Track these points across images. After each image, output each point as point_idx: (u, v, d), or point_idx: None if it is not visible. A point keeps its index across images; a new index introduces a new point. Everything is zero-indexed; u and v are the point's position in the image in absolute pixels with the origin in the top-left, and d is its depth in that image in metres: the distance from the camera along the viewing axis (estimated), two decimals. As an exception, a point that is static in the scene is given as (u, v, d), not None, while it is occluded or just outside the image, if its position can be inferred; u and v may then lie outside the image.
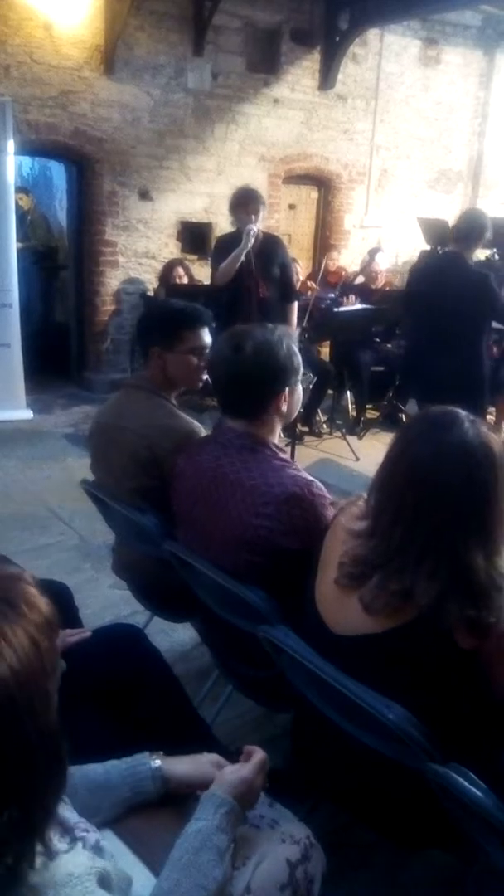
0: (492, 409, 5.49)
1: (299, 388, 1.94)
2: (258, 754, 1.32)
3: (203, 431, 2.22)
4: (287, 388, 1.86)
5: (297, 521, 1.73)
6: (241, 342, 1.80)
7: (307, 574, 1.60)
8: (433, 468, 1.33)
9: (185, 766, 1.31)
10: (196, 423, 2.25)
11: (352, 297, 6.01)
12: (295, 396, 1.92)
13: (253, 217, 4.39)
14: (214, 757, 1.33)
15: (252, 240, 4.37)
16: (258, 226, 4.41)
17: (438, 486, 1.32)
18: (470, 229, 3.89)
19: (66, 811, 1.08)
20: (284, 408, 1.88)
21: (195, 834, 1.15)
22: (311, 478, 1.79)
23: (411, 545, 1.34)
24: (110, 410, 2.39)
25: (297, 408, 1.99)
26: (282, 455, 1.86)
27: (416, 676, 1.35)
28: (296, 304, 4.77)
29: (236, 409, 1.87)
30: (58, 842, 0.90)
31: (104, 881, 0.94)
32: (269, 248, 4.56)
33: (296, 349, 1.87)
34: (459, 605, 1.29)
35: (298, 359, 1.87)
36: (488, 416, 5.16)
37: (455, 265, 3.93)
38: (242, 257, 4.41)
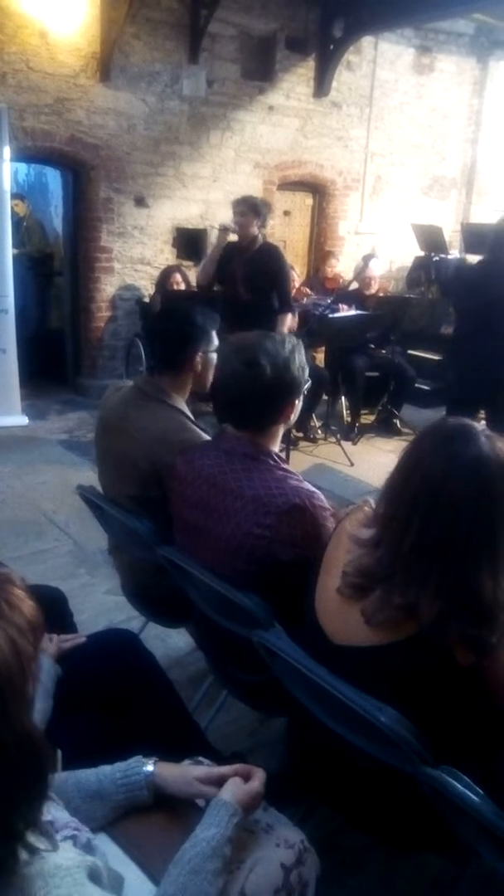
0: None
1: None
2: (260, 772, 1.32)
3: None
4: (297, 400, 1.86)
5: (297, 532, 1.71)
6: (255, 357, 1.76)
7: (305, 583, 1.59)
8: (447, 482, 1.29)
9: (177, 773, 1.32)
10: (206, 436, 2.20)
11: (344, 306, 6.02)
12: (299, 403, 1.92)
13: (237, 219, 4.65)
14: (205, 769, 1.34)
15: (223, 236, 4.72)
16: (232, 225, 4.71)
17: (451, 501, 1.29)
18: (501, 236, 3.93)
19: (59, 811, 1.08)
20: (293, 417, 1.90)
21: (207, 840, 1.15)
22: (312, 489, 1.78)
23: (419, 560, 1.31)
24: (117, 410, 2.32)
25: (298, 413, 2.00)
26: (284, 465, 1.85)
27: (414, 691, 1.34)
28: (289, 315, 4.80)
29: (246, 423, 1.85)
30: (45, 843, 0.89)
31: (94, 875, 0.95)
32: (261, 255, 4.63)
33: (304, 358, 1.86)
34: (462, 623, 1.27)
35: (307, 368, 1.87)
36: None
37: (493, 271, 3.96)
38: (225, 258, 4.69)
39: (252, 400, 1.79)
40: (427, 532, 1.31)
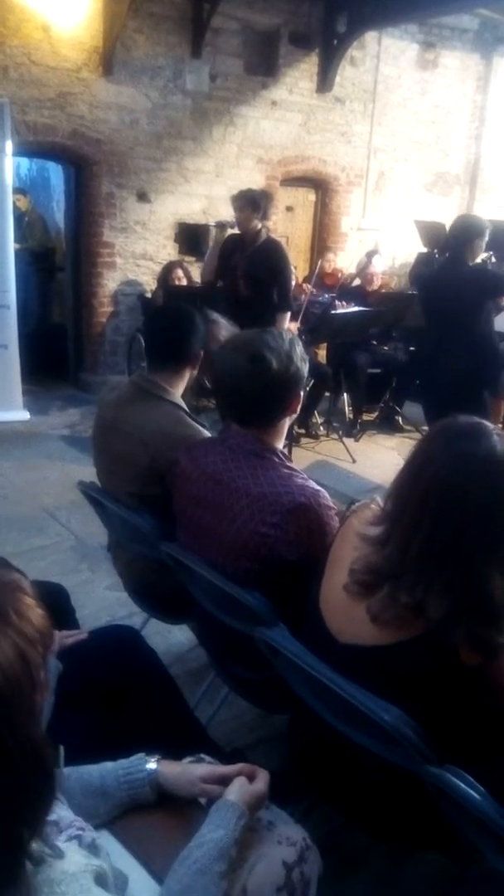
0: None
1: None
2: (264, 773, 1.32)
3: None
4: (301, 392, 1.87)
5: (302, 531, 1.71)
6: (258, 352, 1.75)
7: (309, 582, 1.59)
8: (458, 480, 1.28)
9: (180, 771, 1.31)
10: (206, 431, 2.20)
11: (343, 303, 6.01)
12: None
13: (235, 214, 4.63)
14: (208, 768, 1.33)
15: (220, 233, 4.75)
16: (230, 221, 4.74)
17: (463, 500, 1.28)
18: (461, 233, 3.94)
19: (63, 810, 1.08)
20: (298, 409, 1.89)
21: (215, 842, 1.15)
22: (318, 487, 1.77)
23: (428, 558, 1.30)
24: (113, 409, 2.32)
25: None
26: (289, 463, 1.84)
27: (418, 690, 1.34)
28: (288, 314, 4.79)
29: (252, 419, 1.84)
30: (48, 850, 0.88)
31: (100, 879, 0.94)
32: (264, 250, 4.60)
33: (304, 352, 1.86)
34: (469, 622, 1.26)
35: (307, 361, 1.87)
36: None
37: (453, 267, 3.97)
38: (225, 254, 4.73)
39: (260, 395, 1.78)
40: (437, 530, 1.30)
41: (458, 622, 1.26)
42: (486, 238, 3.97)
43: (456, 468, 1.29)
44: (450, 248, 4.10)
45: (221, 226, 4.75)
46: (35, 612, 0.88)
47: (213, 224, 4.91)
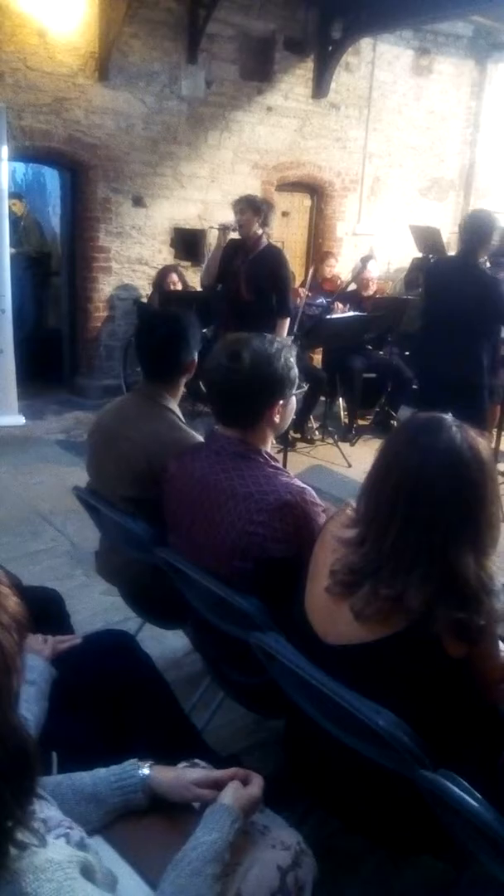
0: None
1: (293, 399, 1.94)
2: (258, 777, 1.32)
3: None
4: (281, 400, 1.86)
5: (289, 528, 1.74)
6: (239, 351, 1.80)
7: (297, 582, 1.60)
8: (423, 473, 1.33)
9: (173, 776, 1.31)
10: (198, 436, 2.24)
11: (340, 305, 6.02)
12: (288, 408, 1.92)
13: (237, 217, 4.64)
14: (201, 772, 1.33)
15: (222, 236, 4.72)
16: (232, 224, 4.71)
17: (428, 491, 1.33)
18: (475, 231, 3.93)
19: (52, 811, 1.08)
20: (277, 419, 1.89)
21: (209, 844, 1.15)
22: (303, 485, 1.80)
23: (402, 551, 1.34)
24: (114, 414, 2.39)
25: (290, 419, 2.00)
26: (274, 463, 1.87)
27: (406, 686, 1.35)
28: (287, 320, 4.79)
29: (230, 418, 1.87)
30: (35, 839, 0.88)
31: (86, 871, 0.94)
32: (265, 257, 4.61)
33: (293, 361, 1.87)
34: (449, 608, 1.30)
35: (295, 371, 1.88)
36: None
37: (467, 270, 3.96)
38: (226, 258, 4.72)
39: (230, 391, 1.82)
40: (408, 524, 1.34)
41: (438, 609, 1.30)
42: (498, 231, 3.94)
43: (420, 462, 1.35)
44: (463, 243, 4.06)
45: (224, 228, 4.72)
46: (10, 600, 0.89)
47: (217, 227, 4.86)
